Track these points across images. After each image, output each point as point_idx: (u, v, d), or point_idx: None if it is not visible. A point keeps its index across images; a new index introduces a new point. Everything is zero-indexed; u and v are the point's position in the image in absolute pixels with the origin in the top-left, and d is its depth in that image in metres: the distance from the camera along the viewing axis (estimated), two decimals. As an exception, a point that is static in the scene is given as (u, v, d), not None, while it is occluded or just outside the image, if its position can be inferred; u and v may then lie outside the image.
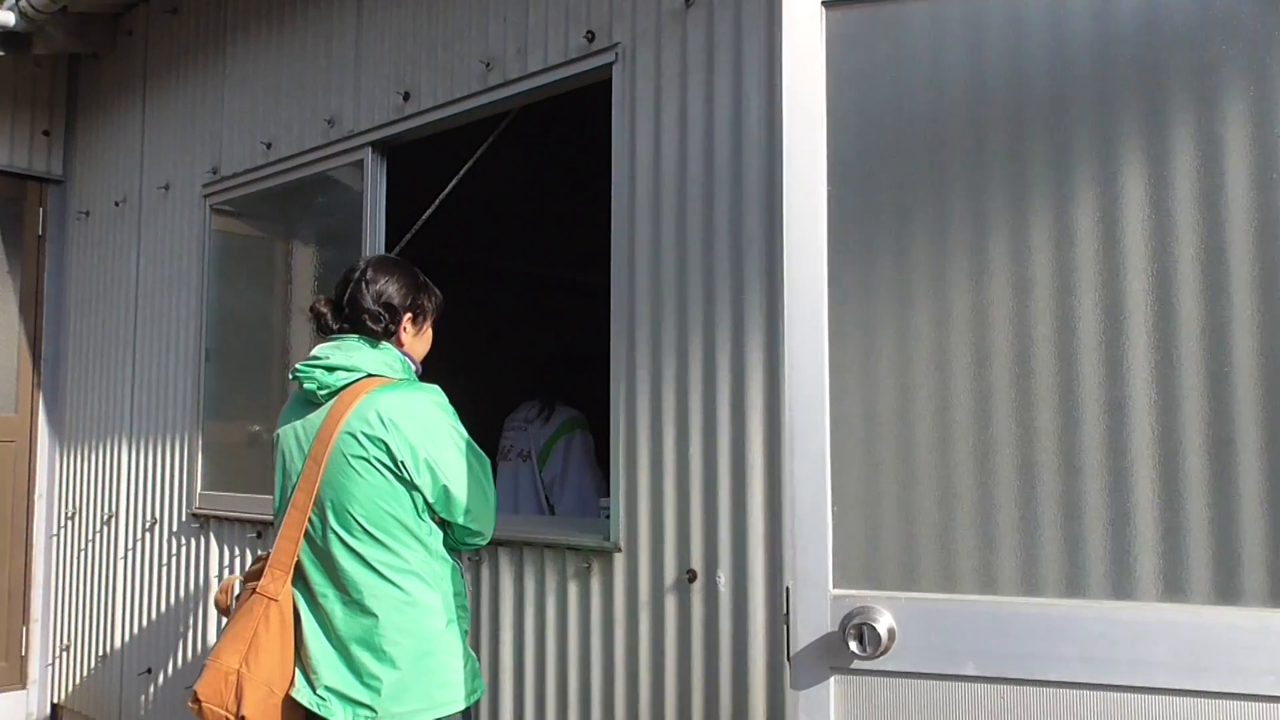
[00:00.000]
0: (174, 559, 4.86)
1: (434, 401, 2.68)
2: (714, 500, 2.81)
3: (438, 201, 3.89)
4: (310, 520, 2.59)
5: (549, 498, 4.33)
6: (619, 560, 3.02)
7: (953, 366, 1.80)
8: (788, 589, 1.84)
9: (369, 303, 2.72)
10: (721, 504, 2.79)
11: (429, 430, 2.61)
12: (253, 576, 2.68)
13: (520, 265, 6.14)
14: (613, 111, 3.15)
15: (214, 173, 4.83)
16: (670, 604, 2.88)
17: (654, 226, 3.03)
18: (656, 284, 3.01)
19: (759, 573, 2.69)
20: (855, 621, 1.77)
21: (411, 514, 2.57)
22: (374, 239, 3.98)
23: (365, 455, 2.57)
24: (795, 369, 1.86)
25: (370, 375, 2.66)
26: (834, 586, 1.83)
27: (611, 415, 3.09)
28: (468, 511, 2.63)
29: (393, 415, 2.56)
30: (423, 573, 2.57)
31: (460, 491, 2.61)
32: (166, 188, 5.16)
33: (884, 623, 1.76)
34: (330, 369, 2.66)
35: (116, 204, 5.47)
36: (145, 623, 4.96)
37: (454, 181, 3.86)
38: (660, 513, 2.93)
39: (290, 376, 2.74)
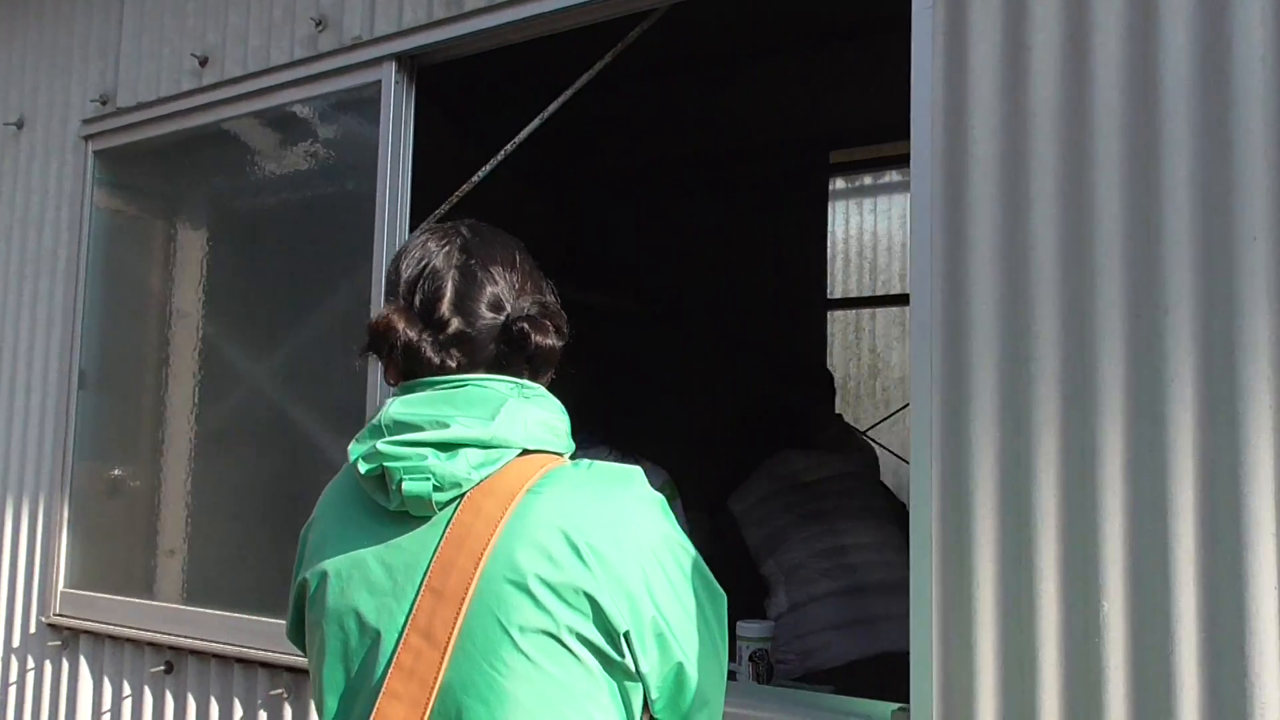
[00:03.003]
0: (14, 700, 3.15)
1: (649, 501, 1.31)
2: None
3: (515, 143, 2.42)
4: None
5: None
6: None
7: None
8: None
9: (510, 307, 1.36)
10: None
11: (655, 562, 1.28)
12: None
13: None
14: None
15: (102, 103, 3.28)
16: None
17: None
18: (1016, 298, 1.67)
19: None
20: None
21: None
22: (395, 208, 2.49)
23: (548, 626, 1.23)
24: None
25: (526, 452, 1.30)
26: None
27: (913, 499, 1.74)
28: (704, 704, 1.33)
29: (595, 538, 1.24)
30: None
31: (695, 669, 1.30)
32: (19, 125, 3.51)
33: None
34: (448, 447, 1.27)
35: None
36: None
37: (544, 116, 2.41)
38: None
39: (359, 463, 1.31)
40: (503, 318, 1.33)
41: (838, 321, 6.04)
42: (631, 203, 5.67)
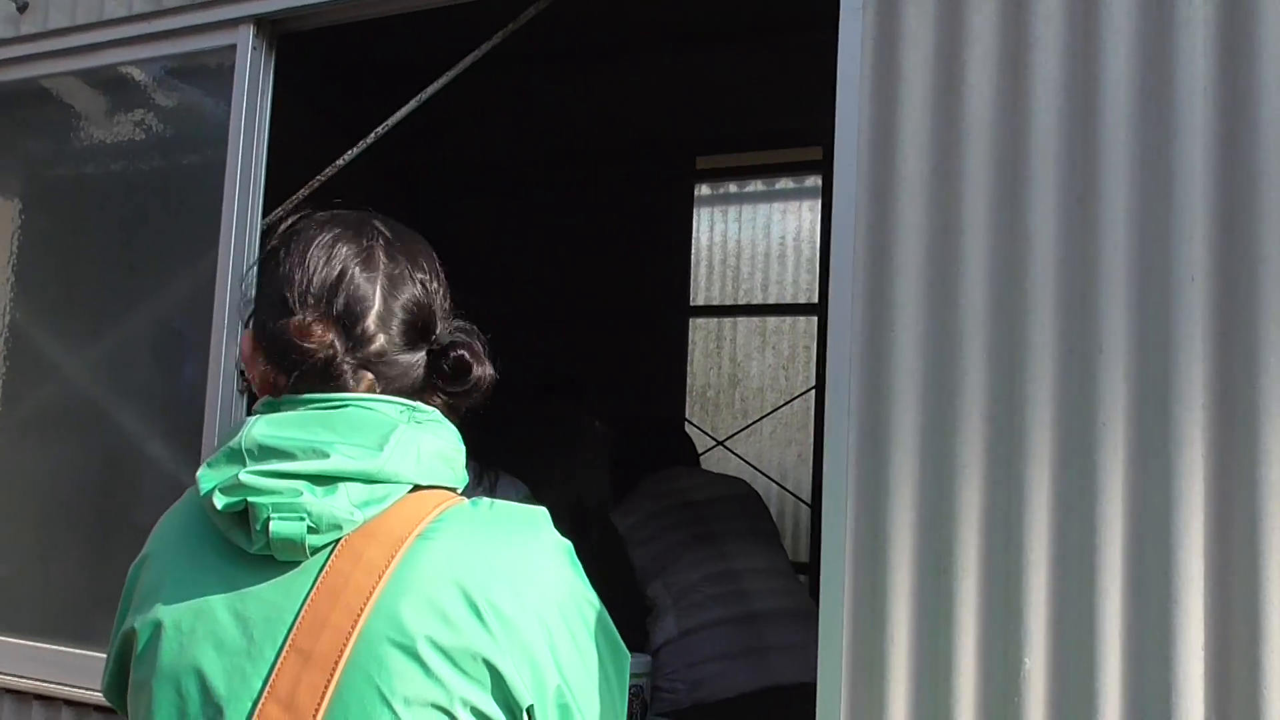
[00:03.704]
0: None
1: (557, 550, 1.12)
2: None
3: (394, 121, 2.18)
4: None
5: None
6: None
7: None
8: None
9: (439, 328, 1.18)
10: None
11: (561, 622, 1.10)
12: None
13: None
14: None
15: (-102, 48, 2.78)
16: None
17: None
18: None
19: None
20: None
21: None
22: (247, 190, 2.21)
23: (439, 699, 1.03)
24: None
25: (416, 488, 1.10)
26: None
27: (825, 545, 1.60)
28: None
29: (497, 595, 1.06)
30: None
31: None
32: None
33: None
34: (324, 480, 1.05)
35: None
36: None
37: (422, 98, 2.18)
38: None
39: (214, 495, 1.07)
40: (432, 341, 1.13)
41: (699, 329, 5.96)
42: (490, 197, 5.45)
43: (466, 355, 1.13)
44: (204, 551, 1.09)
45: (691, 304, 5.84)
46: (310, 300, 1.11)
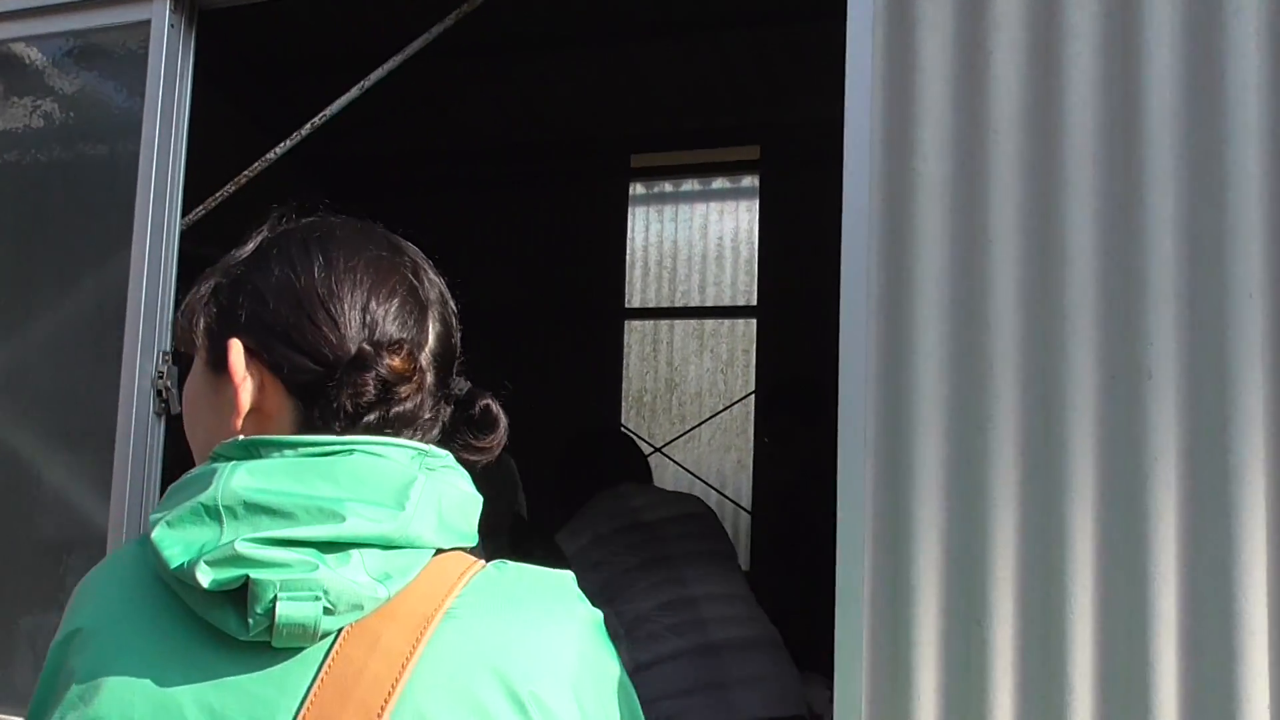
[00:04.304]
0: None
1: (591, 625, 0.93)
2: None
3: (323, 119, 1.95)
4: None
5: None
6: None
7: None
8: None
9: (447, 346, 1.01)
10: None
11: (599, 708, 0.91)
12: None
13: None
14: None
15: None
16: None
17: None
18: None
19: None
20: None
21: None
22: (164, 185, 1.95)
23: None
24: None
25: (440, 552, 0.89)
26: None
27: (840, 592, 1.43)
28: None
29: (541, 684, 0.86)
30: None
31: None
32: None
33: None
34: (335, 547, 0.83)
35: None
36: None
37: (363, 87, 1.94)
38: None
39: (201, 571, 0.82)
40: (451, 385, 0.95)
41: (634, 332, 5.77)
42: (413, 194, 5.20)
43: (492, 404, 0.94)
44: (163, 630, 0.85)
45: (627, 306, 5.66)
46: (356, 322, 0.91)
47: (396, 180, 5.34)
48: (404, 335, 0.92)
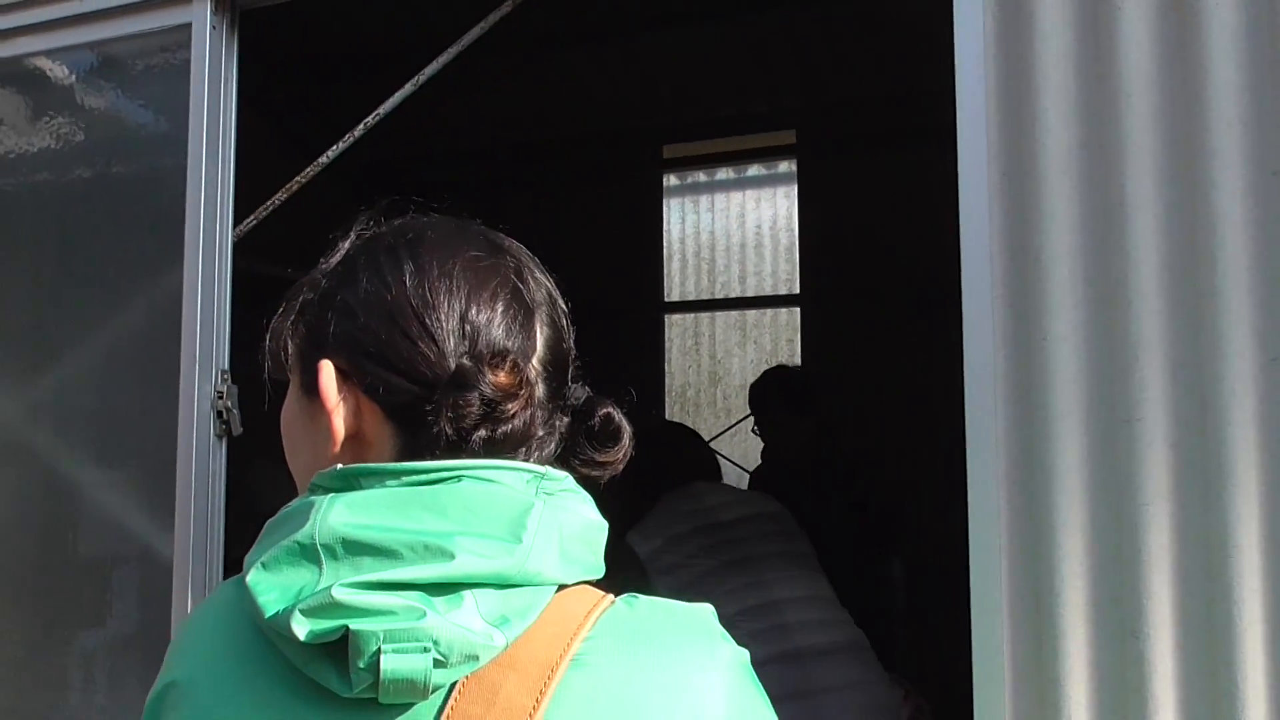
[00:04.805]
0: None
1: (737, 666, 0.82)
2: None
3: (375, 118, 1.84)
4: None
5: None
6: None
7: None
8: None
9: (559, 353, 0.88)
10: None
11: None
12: None
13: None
14: None
15: None
16: None
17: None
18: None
19: None
20: None
21: None
22: (214, 197, 1.85)
23: None
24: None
25: (563, 588, 0.79)
26: None
27: (976, 603, 1.31)
28: None
29: None
30: None
31: None
32: None
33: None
34: (445, 589, 0.73)
35: None
36: None
37: (408, 90, 1.84)
38: None
39: (296, 621, 0.72)
40: (566, 396, 0.83)
41: (675, 326, 5.65)
42: (444, 196, 5.11)
43: (614, 413, 0.83)
44: (262, 686, 0.76)
45: (666, 299, 5.56)
46: (459, 334, 0.81)
47: (424, 183, 5.25)
48: (509, 344, 0.82)
